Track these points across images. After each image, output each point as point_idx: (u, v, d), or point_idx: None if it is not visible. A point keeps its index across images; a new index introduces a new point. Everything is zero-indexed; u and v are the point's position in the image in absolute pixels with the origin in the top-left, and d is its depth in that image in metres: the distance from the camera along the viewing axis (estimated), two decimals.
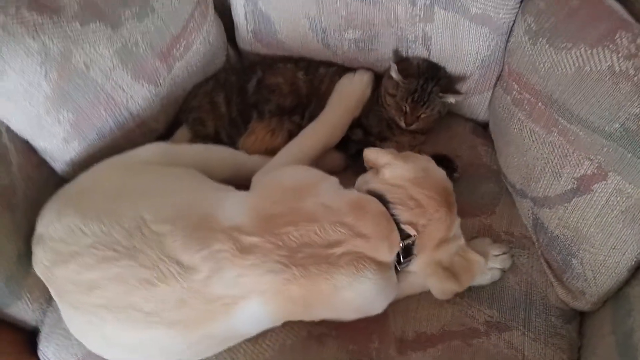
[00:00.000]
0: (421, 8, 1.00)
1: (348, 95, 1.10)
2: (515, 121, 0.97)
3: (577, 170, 0.85)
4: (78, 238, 0.79)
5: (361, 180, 0.93)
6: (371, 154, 0.92)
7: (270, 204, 0.82)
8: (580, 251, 0.89)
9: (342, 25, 1.07)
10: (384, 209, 0.83)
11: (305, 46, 1.14)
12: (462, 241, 0.89)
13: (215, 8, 1.15)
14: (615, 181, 0.80)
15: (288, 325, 0.89)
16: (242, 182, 1.01)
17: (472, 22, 0.97)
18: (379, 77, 1.13)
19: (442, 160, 1.06)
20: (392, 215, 0.83)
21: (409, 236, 0.83)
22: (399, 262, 0.84)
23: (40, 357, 0.96)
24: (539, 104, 0.90)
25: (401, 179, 0.87)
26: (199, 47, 1.10)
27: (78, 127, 0.94)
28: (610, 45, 0.78)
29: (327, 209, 0.81)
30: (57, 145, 0.94)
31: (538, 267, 0.98)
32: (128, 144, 1.02)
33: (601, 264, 0.87)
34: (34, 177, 0.97)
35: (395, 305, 0.94)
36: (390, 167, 0.88)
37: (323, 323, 0.90)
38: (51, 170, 1.00)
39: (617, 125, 0.77)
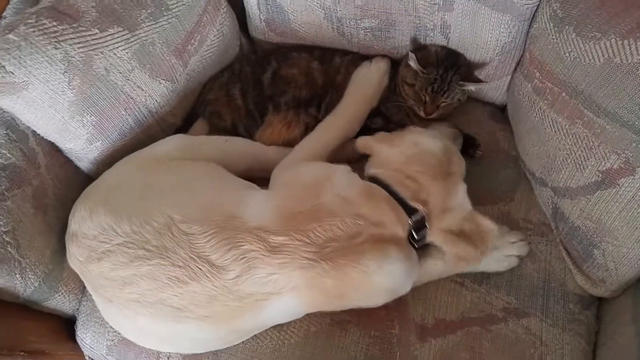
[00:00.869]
0: None
1: (365, 85, 1.03)
2: (537, 110, 0.90)
3: (603, 163, 0.78)
4: (110, 237, 0.78)
5: (366, 167, 0.90)
6: (362, 144, 0.90)
7: (292, 202, 0.80)
8: (603, 243, 0.83)
9: (357, 14, 0.99)
10: (387, 194, 0.82)
11: (320, 35, 1.06)
12: (469, 207, 0.85)
13: None
14: None
15: (311, 313, 0.87)
16: (260, 174, 0.98)
17: (493, 10, 0.89)
18: (396, 64, 1.05)
19: (465, 140, 1.01)
20: (395, 196, 0.81)
21: (416, 211, 0.81)
22: (414, 239, 0.81)
23: (79, 342, 0.98)
24: (563, 94, 0.82)
25: (393, 162, 0.85)
26: (213, 40, 1.04)
27: (101, 128, 0.91)
28: None
29: (344, 202, 0.79)
30: (82, 146, 0.91)
31: (557, 254, 0.93)
32: (148, 139, 1.00)
33: (624, 256, 0.81)
34: (61, 176, 0.95)
35: (415, 292, 0.91)
36: (380, 154, 0.86)
37: (345, 310, 0.87)
38: (76, 167, 0.97)
39: None
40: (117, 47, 0.86)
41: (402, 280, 0.81)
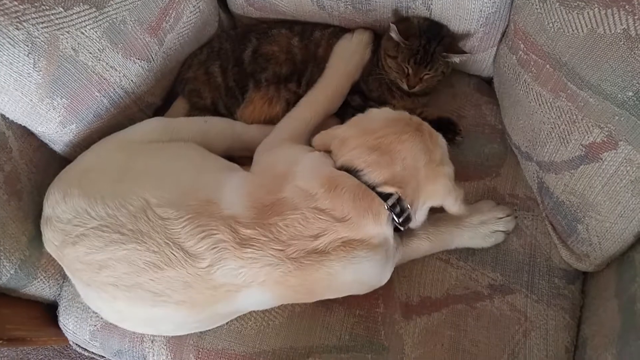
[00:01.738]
0: None
1: (347, 58, 1.01)
2: (521, 83, 0.89)
3: (586, 137, 0.78)
4: (84, 220, 0.78)
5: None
6: (317, 141, 0.86)
7: (261, 193, 0.78)
8: (586, 218, 0.84)
9: None
10: (356, 181, 0.77)
11: (300, 8, 1.03)
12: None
13: None
14: (626, 151, 0.73)
15: None
16: (243, 153, 0.98)
17: None
18: (378, 38, 1.03)
19: (446, 124, 0.99)
20: (365, 182, 0.77)
21: (390, 195, 0.77)
22: (399, 224, 0.79)
23: (62, 328, 0.98)
24: (547, 66, 0.81)
25: (350, 138, 0.80)
26: (190, 16, 1.01)
27: (73, 110, 0.89)
28: (627, 6, 0.67)
29: (304, 193, 0.76)
30: (55, 129, 0.89)
31: (542, 229, 0.94)
32: (126, 120, 0.98)
33: (607, 231, 0.82)
34: (35, 160, 0.93)
35: (400, 271, 0.92)
36: (337, 139, 0.82)
37: None
38: (52, 151, 0.96)
39: (630, 94, 0.69)
40: (85, 26, 0.83)
41: (375, 276, 0.81)
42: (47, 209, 0.83)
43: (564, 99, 0.80)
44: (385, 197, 0.77)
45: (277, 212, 0.76)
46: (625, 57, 0.69)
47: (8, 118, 0.86)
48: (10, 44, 0.75)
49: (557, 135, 0.83)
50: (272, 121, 1.00)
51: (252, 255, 0.74)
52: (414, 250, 0.91)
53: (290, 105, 1.01)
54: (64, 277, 0.97)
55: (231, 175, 0.84)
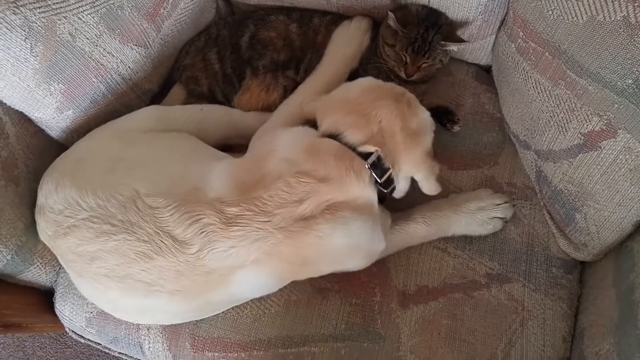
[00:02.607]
0: None
1: (345, 45, 1.01)
2: (520, 71, 0.89)
3: (585, 125, 0.78)
4: (75, 211, 0.78)
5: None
6: (305, 110, 0.89)
7: (243, 171, 0.79)
8: (585, 207, 0.84)
9: None
10: (337, 143, 0.79)
11: None
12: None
13: None
14: (625, 139, 0.74)
15: (293, 281, 0.89)
16: (240, 141, 0.98)
17: None
18: (377, 25, 1.04)
19: (444, 112, 1.00)
20: (346, 144, 0.79)
21: (371, 154, 0.78)
22: (382, 185, 0.80)
23: (58, 315, 1.00)
24: (546, 53, 0.82)
25: (329, 107, 0.83)
26: (187, 2, 1.01)
27: (70, 96, 0.89)
28: None
29: (287, 162, 0.78)
30: (52, 115, 0.90)
31: (540, 218, 0.95)
32: (123, 107, 0.99)
33: (605, 220, 0.82)
34: (32, 146, 0.94)
35: (396, 259, 0.93)
36: (321, 106, 0.84)
37: (326, 277, 0.90)
38: (49, 137, 0.97)
39: (630, 81, 0.69)
40: (82, 12, 0.84)
41: (367, 236, 0.80)
42: (41, 198, 0.84)
43: (562, 87, 0.80)
44: (365, 156, 0.78)
45: (261, 185, 0.76)
46: (625, 44, 0.69)
47: (5, 104, 0.86)
48: (7, 28, 0.76)
49: (555, 124, 0.84)
50: (270, 108, 1.00)
51: (239, 232, 0.74)
52: (411, 235, 0.91)
53: (287, 92, 1.01)
54: (60, 264, 0.97)
55: (219, 163, 0.85)
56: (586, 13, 0.73)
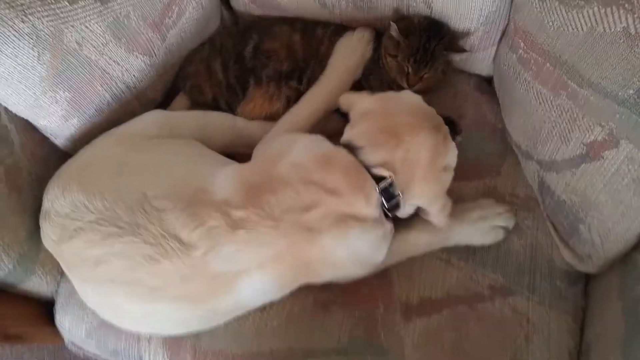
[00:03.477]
0: None
1: (348, 56, 1.04)
2: (522, 81, 0.91)
3: (587, 135, 0.80)
4: (82, 214, 0.79)
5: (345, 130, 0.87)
6: (343, 100, 0.89)
7: (252, 174, 0.80)
8: (588, 217, 0.85)
9: None
10: (352, 158, 0.78)
11: (302, 7, 1.07)
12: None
13: None
14: (628, 149, 0.75)
15: (294, 293, 0.89)
16: (243, 150, 0.99)
17: None
18: (380, 36, 1.06)
19: (446, 123, 1.01)
20: (361, 162, 0.78)
21: (383, 178, 0.78)
22: (388, 209, 0.80)
23: (58, 326, 1.00)
24: (547, 64, 0.84)
25: (368, 112, 0.82)
26: (192, 12, 1.04)
27: (76, 104, 0.92)
28: (626, 5, 0.69)
29: (296, 168, 0.78)
30: (57, 122, 0.92)
31: (543, 229, 0.95)
32: (127, 115, 1.00)
33: (609, 231, 0.83)
34: (37, 154, 0.96)
35: (399, 270, 0.93)
36: (356, 105, 0.84)
37: (329, 289, 0.90)
38: (54, 145, 0.98)
39: (631, 92, 0.71)
40: (89, 20, 0.86)
41: (370, 251, 0.81)
42: (46, 203, 0.85)
43: (564, 97, 0.82)
44: (378, 179, 0.78)
45: (268, 189, 0.77)
46: (625, 55, 0.71)
47: (10, 111, 0.89)
48: (15, 36, 0.78)
49: (557, 134, 0.85)
50: (273, 118, 1.02)
51: (245, 236, 0.75)
52: (413, 244, 0.92)
53: (290, 102, 1.03)
54: (62, 273, 0.98)
55: (225, 167, 0.86)
56: (586, 24, 0.75)
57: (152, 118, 0.97)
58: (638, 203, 0.78)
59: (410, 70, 0.98)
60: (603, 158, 0.79)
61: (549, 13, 0.80)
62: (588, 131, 0.79)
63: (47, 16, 0.81)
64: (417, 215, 0.93)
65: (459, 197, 0.97)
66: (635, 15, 0.69)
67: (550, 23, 0.80)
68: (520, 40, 0.89)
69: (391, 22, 0.97)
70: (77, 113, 0.93)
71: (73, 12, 0.84)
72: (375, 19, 1.05)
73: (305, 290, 0.89)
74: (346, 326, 0.89)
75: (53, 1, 0.81)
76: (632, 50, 0.70)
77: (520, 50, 0.90)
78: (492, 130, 1.05)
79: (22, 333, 0.99)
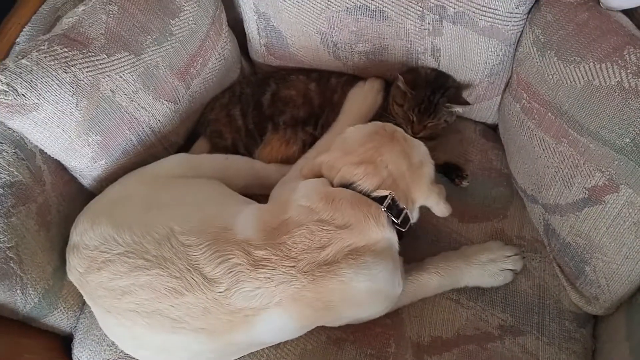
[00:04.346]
0: (430, 22, 0.99)
1: (360, 104, 1.10)
2: (525, 129, 0.96)
3: (588, 180, 0.84)
4: (111, 247, 0.83)
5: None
6: (304, 172, 0.95)
7: (269, 216, 0.85)
8: (593, 259, 0.88)
9: (352, 39, 1.08)
10: (350, 191, 0.85)
11: (317, 58, 1.14)
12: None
13: (229, 22, 1.16)
14: (627, 194, 0.79)
15: (308, 331, 0.91)
16: (261, 191, 1.04)
17: (481, 35, 0.96)
18: (389, 84, 1.13)
19: (452, 168, 1.07)
20: (360, 192, 0.85)
21: (385, 197, 0.84)
22: (399, 225, 0.85)
23: None
24: (549, 114, 0.89)
25: (336, 162, 0.89)
26: (215, 63, 1.12)
27: (105, 146, 0.97)
28: (619, 61, 0.76)
29: (306, 210, 0.83)
30: (86, 164, 0.97)
31: (550, 271, 0.98)
32: (151, 157, 1.06)
33: (614, 272, 0.86)
34: (65, 193, 1.01)
35: (410, 310, 0.96)
36: (322, 166, 0.91)
37: (341, 328, 0.92)
38: (80, 185, 1.03)
39: (627, 140, 0.76)
40: (123, 71, 0.93)
41: (387, 279, 0.84)
42: (75, 237, 0.89)
43: (565, 145, 0.87)
44: (380, 200, 0.84)
45: (284, 231, 0.81)
46: (620, 107, 0.76)
47: (45, 153, 0.94)
48: (58, 85, 0.85)
49: (560, 179, 0.89)
50: (289, 161, 1.08)
51: (266, 274, 0.78)
52: (424, 285, 0.94)
53: (306, 146, 1.09)
54: (82, 308, 1.01)
55: (246, 207, 0.91)
56: (583, 78, 0.81)
57: (177, 160, 1.03)
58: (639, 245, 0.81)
59: (414, 119, 1.04)
60: (605, 202, 0.83)
61: (549, 67, 0.87)
62: (589, 176, 0.84)
63: (87, 67, 0.88)
64: (428, 259, 0.97)
65: (468, 239, 1.02)
66: (629, 71, 0.75)
67: (550, 76, 0.86)
68: (523, 91, 0.95)
69: (399, 75, 1.04)
70: (106, 155, 0.98)
71: (110, 64, 0.91)
72: (386, 69, 1.12)
73: (319, 328, 0.92)
74: None
75: (93, 54, 0.89)
76: (627, 103, 0.75)
77: (524, 101, 0.95)
78: (498, 175, 1.10)
79: None
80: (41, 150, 0.94)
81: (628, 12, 0.88)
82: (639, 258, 0.82)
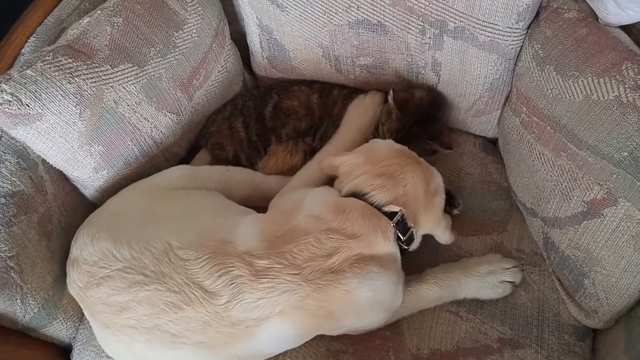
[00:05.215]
0: (431, 37, 1.00)
1: (360, 116, 1.11)
2: (525, 143, 0.97)
3: (587, 194, 0.84)
4: (110, 262, 0.83)
5: (338, 187, 0.94)
6: (325, 164, 0.96)
7: (272, 225, 0.85)
8: (592, 272, 0.88)
9: (354, 53, 1.08)
10: (362, 203, 0.85)
11: (319, 71, 1.15)
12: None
13: (232, 35, 1.17)
14: (625, 207, 0.79)
15: (308, 342, 0.90)
16: (262, 203, 1.04)
17: (481, 49, 0.97)
18: None
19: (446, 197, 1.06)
20: (372, 204, 0.85)
21: (395, 213, 0.85)
22: (405, 242, 0.86)
23: None
24: (548, 127, 0.90)
25: (357, 167, 0.89)
26: (218, 75, 1.12)
27: (107, 157, 0.97)
28: (617, 76, 0.77)
29: (314, 219, 0.84)
30: (88, 174, 0.97)
31: (550, 284, 0.98)
32: (152, 168, 1.06)
33: (613, 286, 0.86)
34: (67, 203, 1.01)
35: (410, 322, 0.95)
36: (342, 165, 0.91)
37: (341, 339, 0.92)
38: (82, 195, 1.03)
39: (625, 154, 0.76)
40: (127, 82, 0.94)
41: (390, 291, 0.84)
42: (75, 251, 0.88)
43: (564, 158, 0.87)
44: (390, 215, 0.85)
45: (290, 239, 0.81)
46: (618, 121, 0.77)
47: (47, 163, 0.94)
48: (62, 95, 0.85)
49: (559, 192, 0.90)
50: (293, 170, 1.09)
51: (268, 284, 0.78)
52: (424, 297, 0.94)
53: (307, 155, 1.10)
54: (81, 319, 1.00)
55: (245, 217, 0.90)
56: (582, 92, 0.82)
57: (178, 172, 1.03)
58: (638, 259, 0.81)
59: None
60: (603, 215, 0.83)
61: (548, 82, 0.87)
62: (588, 190, 0.84)
63: (91, 78, 0.88)
64: (427, 271, 0.96)
65: (468, 251, 1.02)
66: (627, 86, 0.76)
67: (549, 90, 0.87)
68: (522, 105, 0.96)
69: (392, 90, 1.04)
70: (108, 165, 0.98)
71: (113, 75, 0.92)
72: (387, 83, 1.13)
73: (318, 340, 0.91)
74: None
75: (97, 65, 0.89)
76: (625, 117, 0.76)
77: (523, 115, 0.96)
78: (497, 189, 1.10)
79: None
80: (44, 160, 0.94)
81: (626, 28, 0.89)
82: (638, 271, 0.82)
